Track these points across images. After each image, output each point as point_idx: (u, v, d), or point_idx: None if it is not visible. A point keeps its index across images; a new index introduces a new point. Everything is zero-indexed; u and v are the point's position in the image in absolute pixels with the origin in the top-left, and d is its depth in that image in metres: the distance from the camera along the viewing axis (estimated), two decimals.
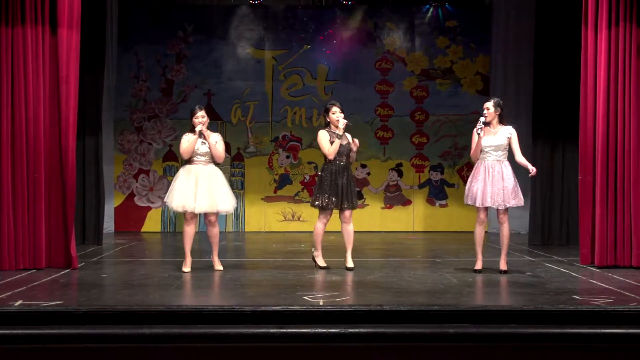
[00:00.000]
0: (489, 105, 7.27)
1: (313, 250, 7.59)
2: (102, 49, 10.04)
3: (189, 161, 7.38)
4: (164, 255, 9.52)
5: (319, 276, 7.08)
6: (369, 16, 12.28)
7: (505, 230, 7.25)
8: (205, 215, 7.38)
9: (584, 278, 7.01)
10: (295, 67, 12.31)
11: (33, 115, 7.39)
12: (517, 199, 7.15)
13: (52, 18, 7.43)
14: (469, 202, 7.27)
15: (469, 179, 7.32)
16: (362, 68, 12.28)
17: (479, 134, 7.16)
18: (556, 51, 9.67)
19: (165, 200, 7.53)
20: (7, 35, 7.33)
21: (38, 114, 7.40)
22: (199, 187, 7.24)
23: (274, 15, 12.30)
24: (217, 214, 7.40)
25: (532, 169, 7.16)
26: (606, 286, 6.45)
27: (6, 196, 7.29)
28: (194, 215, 7.33)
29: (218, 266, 7.44)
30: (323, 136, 7.39)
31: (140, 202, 12.16)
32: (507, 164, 7.21)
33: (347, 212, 7.43)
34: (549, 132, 9.88)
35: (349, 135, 7.50)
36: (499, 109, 7.26)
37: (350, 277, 7.03)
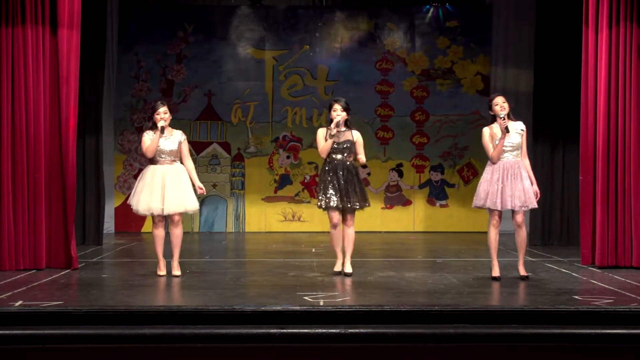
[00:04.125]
0: (504, 99, 6.77)
1: None
2: (102, 49, 10.03)
3: (153, 161, 7.01)
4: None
5: (319, 276, 7.08)
6: (369, 16, 12.27)
7: (524, 234, 6.89)
8: (170, 215, 6.97)
9: (585, 278, 7.00)
10: (295, 68, 12.30)
11: (33, 115, 7.39)
12: (534, 201, 6.81)
13: (52, 18, 7.43)
14: (482, 204, 6.79)
15: (483, 180, 6.82)
16: (363, 68, 12.28)
17: (508, 130, 6.72)
18: (556, 51, 9.67)
19: (129, 202, 7.19)
20: (7, 35, 7.33)
21: (38, 114, 7.40)
22: (167, 188, 6.90)
23: (274, 15, 12.30)
24: (181, 214, 7.05)
25: (535, 190, 6.81)
26: (607, 286, 6.45)
27: (6, 196, 7.28)
28: (163, 218, 7.02)
29: (176, 271, 7.02)
30: (319, 134, 7.14)
31: None
32: (522, 163, 6.84)
33: (346, 215, 7.10)
34: (550, 132, 9.88)
35: (355, 133, 7.17)
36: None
37: (350, 277, 7.02)
